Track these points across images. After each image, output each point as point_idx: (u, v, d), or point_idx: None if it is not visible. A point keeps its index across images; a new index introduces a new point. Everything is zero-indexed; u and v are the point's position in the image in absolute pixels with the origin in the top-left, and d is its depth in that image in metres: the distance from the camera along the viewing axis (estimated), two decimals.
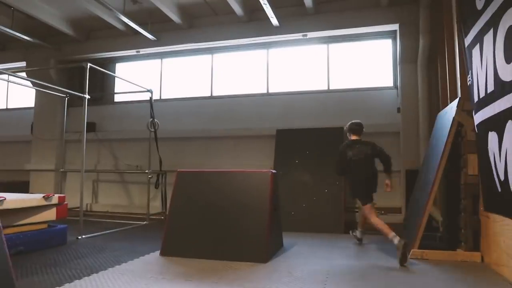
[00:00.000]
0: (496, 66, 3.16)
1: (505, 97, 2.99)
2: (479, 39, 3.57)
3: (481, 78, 3.53)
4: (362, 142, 4.66)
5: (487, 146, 3.41)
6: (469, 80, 3.98)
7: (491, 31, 3.25)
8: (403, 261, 3.69)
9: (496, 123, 3.16)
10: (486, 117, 3.39)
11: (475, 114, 3.80)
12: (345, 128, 4.97)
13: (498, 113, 3.12)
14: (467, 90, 4.08)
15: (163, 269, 3.58)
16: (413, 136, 6.46)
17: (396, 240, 3.88)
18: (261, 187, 4.12)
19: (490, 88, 3.28)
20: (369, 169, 4.53)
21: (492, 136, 3.27)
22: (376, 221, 4.33)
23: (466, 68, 4.10)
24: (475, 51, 3.69)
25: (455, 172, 4.27)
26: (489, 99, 3.29)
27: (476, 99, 3.70)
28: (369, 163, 4.53)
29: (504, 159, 3.04)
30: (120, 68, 8.87)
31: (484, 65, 3.43)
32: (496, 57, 3.16)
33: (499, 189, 3.31)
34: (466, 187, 4.03)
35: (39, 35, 8.04)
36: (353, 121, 4.83)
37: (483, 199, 3.77)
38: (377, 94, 7.06)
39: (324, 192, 6.32)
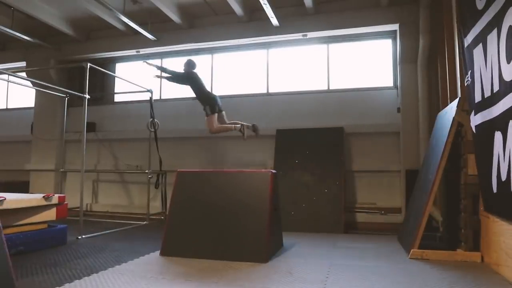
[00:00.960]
0: (500, 66, 3.16)
1: (507, 96, 2.98)
2: (481, 39, 3.56)
3: (485, 78, 3.51)
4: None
5: (491, 145, 3.40)
6: (467, 80, 3.98)
7: (495, 30, 3.24)
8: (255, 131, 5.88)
9: (501, 123, 3.16)
10: (493, 116, 3.37)
11: (475, 114, 3.79)
12: (186, 63, 6.13)
13: (503, 112, 3.12)
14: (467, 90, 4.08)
15: (163, 269, 3.58)
16: (413, 136, 6.45)
17: (240, 126, 5.85)
18: (261, 187, 4.12)
19: (496, 87, 3.27)
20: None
21: (498, 136, 3.26)
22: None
23: (464, 68, 4.10)
24: (477, 51, 3.68)
25: (455, 172, 4.28)
26: (495, 98, 3.28)
27: (479, 98, 3.68)
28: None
29: (508, 159, 3.04)
30: (120, 68, 8.86)
31: (489, 65, 3.41)
32: (500, 56, 3.16)
33: (495, 190, 3.30)
34: (466, 187, 4.03)
35: (39, 35, 8.03)
36: (191, 59, 6.20)
37: (482, 200, 3.77)
38: (377, 94, 7.06)
39: (324, 192, 6.32)
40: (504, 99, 3.05)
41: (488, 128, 3.49)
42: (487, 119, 3.51)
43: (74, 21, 7.92)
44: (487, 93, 3.48)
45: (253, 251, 3.83)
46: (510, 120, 2.95)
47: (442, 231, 4.77)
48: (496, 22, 3.22)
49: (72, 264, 3.71)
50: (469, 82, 3.95)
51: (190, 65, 6.13)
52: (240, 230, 4.00)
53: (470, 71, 3.92)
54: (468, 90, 3.96)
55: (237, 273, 3.40)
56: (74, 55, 8.46)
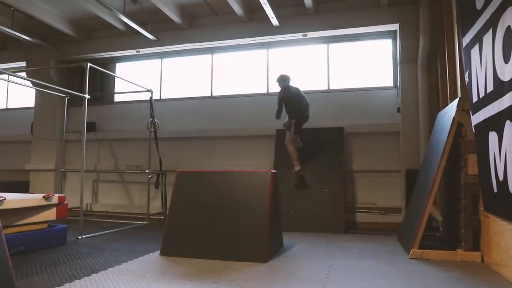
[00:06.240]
0: (495, 66, 3.16)
1: (504, 96, 2.99)
2: (478, 39, 3.57)
3: (480, 78, 3.53)
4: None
5: (487, 146, 3.41)
6: (467, 79, 3.99)
7: (491, 30, 3.25)
8: (297, 185, 6.26)
9: (496, 123, 3.16)
10: (487, 116, 3.39)
11: (473, 114, 3.80)
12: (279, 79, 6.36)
13: (498, 112, 3.12)
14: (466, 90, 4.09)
15: (163, 269, 3.58)
16: (413, 136, 6.45)
17: (297, 168, 6.18)
18: (261, 187, 4.12)
19: (490, 87, 3.28)
20: None
21: (493, 136, 3.27)
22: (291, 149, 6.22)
23: (464, 67, 4.11)
24: (474, 51, 3.69)
25: (455, 172, 4.28)
26: (489, 98, 3.30)
27: (475, 98, 3.70)
28: None
29: (504, 159, 3.04)
30: (120, 68, 8.86)
31: (484, 65, 3.43)
32: (495, 56, 3.16)
33: (496, 190, 3.31)
34: (466, 187, 4.03)
35: (39, 35, 8.04)
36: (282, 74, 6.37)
37: (482, 200, 3.78)
38: (377, 94, 7.06)
39: (324, 192, 6.32)
40: (501, 99, 3.05)
41: (484, 128, 3.49)
42: (482, 119, 3.52)
43: (74, 21, 7.92)
44: (482, 94, 3.49)
45: (253, 251, 3.83)
46: (508, 120, 2.95)
47: (442, 231, 4.78)
48: (492, 22, 3.22)
49: (72, 264, 3.71)
50: (468, 82, 3.96)
51: (283, 80, 6.23)
52: (240, 230, 4.00)
53: (468, 71, 3.93)
54: (467, 90, 3.97)
55: (237, 273, 3.40)
56: (74, 55, 8.46)
